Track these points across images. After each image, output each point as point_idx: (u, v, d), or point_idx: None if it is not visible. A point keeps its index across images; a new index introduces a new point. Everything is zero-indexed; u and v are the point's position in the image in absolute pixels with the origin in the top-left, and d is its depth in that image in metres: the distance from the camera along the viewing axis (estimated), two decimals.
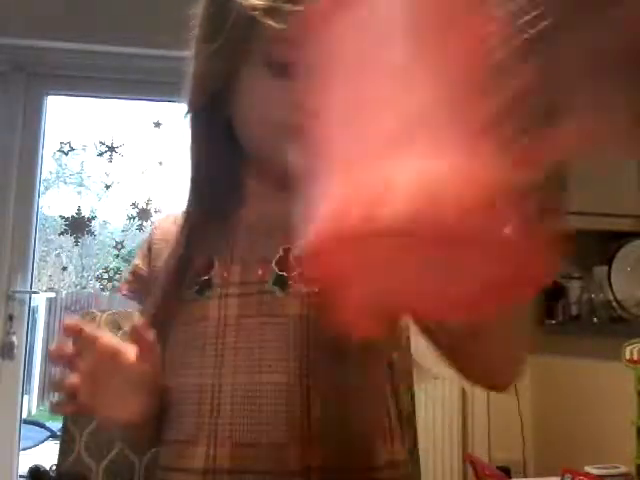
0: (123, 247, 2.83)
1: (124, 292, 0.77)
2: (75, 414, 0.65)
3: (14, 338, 2.41)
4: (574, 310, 2.50)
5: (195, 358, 0.64)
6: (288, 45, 0.53)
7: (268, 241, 0.65)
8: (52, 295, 3.70)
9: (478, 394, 2.48)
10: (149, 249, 0.75)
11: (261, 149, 0.65)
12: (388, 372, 0.65)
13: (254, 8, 0.58)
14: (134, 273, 0.77)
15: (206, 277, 0.66)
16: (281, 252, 0.64)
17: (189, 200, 0.70)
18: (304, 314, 0.61)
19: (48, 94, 2.62)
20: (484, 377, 0.60)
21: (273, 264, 0.64)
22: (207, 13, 0.67)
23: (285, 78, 0.59)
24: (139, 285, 0.76)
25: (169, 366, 0.66)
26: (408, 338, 0.71)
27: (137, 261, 0.77)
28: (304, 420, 0.59)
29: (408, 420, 0.74)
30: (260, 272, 0.64)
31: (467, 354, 0.55)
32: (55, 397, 0.60)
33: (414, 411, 0.87)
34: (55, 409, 0.62)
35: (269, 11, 0.57)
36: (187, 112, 0.69)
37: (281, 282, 0.63)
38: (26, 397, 3.16)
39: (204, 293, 0.66)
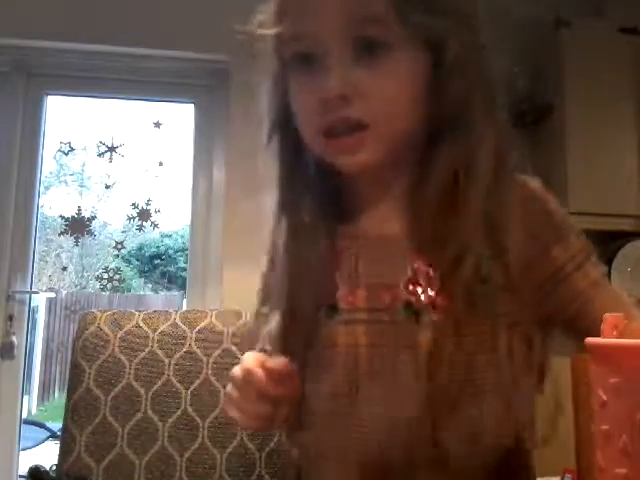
0: (123, 247, 2.83)
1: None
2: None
3: (14, 338, 2.41)
4: None
5: (326, 383, 0.61)
6: (299, 40, 0.58)
7: (389, 258, 0.61)
8: (52, 295, 3.70)
9: None
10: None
11: (317, 154, 0.64)
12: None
13: (258, 26, 0.61)
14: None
15: (333, 301, 0.62)
16: (410, 273, 0.60)
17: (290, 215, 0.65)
18: (435, 343, 0.57)
19: (48, 94, 2.62)
20: None
21: (401, 288, 0.59)
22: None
23: (305, 73, 0.59)
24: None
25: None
26: None
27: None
28: (432, 450, 0.57)
29: None
30: (387, 298, 0.60)
31: None
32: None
33: None
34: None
35: (269, 22, 0.60)
36: (272, 132, 0.66)
37: (411, 309, 0.59)
38: (26, 397, 3.16)
39: (333, 317, 0.62)
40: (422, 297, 0.58)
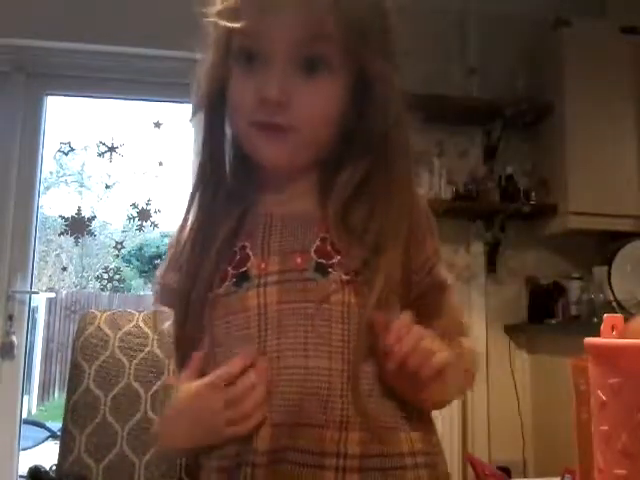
0: (123, 247, 2.83)
1: None
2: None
3: (14, 338, 2.41)
4: (574, 310, 2.50)
5: (239, 348, 0.65)
6: (249, 37, 0.63)
7: (302, 230, 0.67)
8: (52, 295, 3.70)
9: (478, 394, 2.48)
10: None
11: (242, 143, 0.69)
12: None
13: (216, 13, 0.65)
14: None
15: (243, 269, 0.67)
16: (318, 242, 0.66)
17: (205, 197, 0.71)
18: (345, 300, 0.64)
19: (48, 94, 2.62)
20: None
21: (312, 252, 0.66)
22: (200, 21, 0.71)
23: (247, 70, 0.64)
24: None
25: (214, 361, 0.67)
26: None
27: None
28: (343, 405, 0.62)
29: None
30: (299, 260, 0.66)
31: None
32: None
33: None
34: None
35: (227, 12, 0.64)
36: (196, 111, 0.72)
37: (321, 269, 0.65)
38: (26, 397, 3.16)
39: (242, 285, 0.66)
40: (333, 261, 0.65)
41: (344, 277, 0.64)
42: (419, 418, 0.67)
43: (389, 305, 0.63)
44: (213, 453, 0.66)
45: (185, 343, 0.71)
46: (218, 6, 0.65)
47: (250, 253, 0.68)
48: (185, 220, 0.72)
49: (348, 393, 0.62)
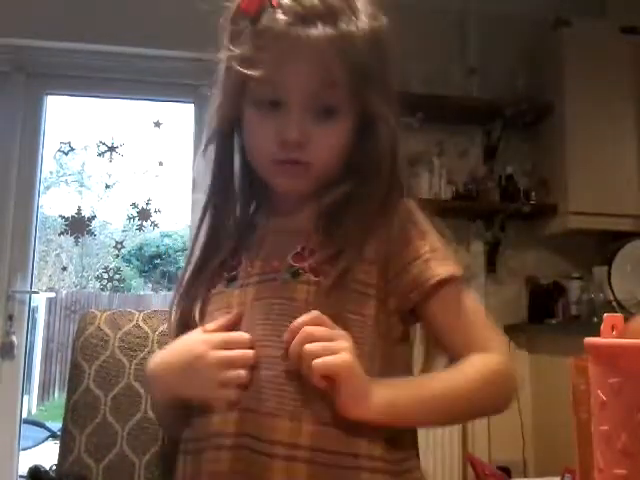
0: (123, 247, 2.83)
1: None
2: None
3: (14, 338, 2.41)
4: (574, 310, 2.50)
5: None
6: (267, 85, 0.71)
7: (288, 241, 0.75)
8: (52, 295, 3.70)
9: None
10: None
11: (261, 174, 0.78)
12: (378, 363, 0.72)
13: (234, 57, 0.72)
14: None
15: (234, 273, 0.77)
16: (298, 249, 0.74)
17: (214, 216, 0.81)
18: (309, 299, 0.70)
19: (48, 94, 2.62)
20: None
21: (289, 258, 0.73)
22: (217, 61, 0.78)
23: (268, 114, 0.73)
24: None
25: None
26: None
27: None
28: (295, 395, 0.66)
29: None
30: (276, 264, 0.74)
31: None
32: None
33: None
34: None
35: (244, 60, 0.71)
36: (210, 140, 0.80)
37: (293, 272, 0.72)
38: (26, 397, 3.16)
39: (231, 285, 0.76)
40: (305, 265, 0.72)
41: (313, 278, 0.70)
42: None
43: (340, 299, 0.69)
44: (185, 432, 0.72)
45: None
46: (233, 52, 0.73)
47: (243, 261, 0.77)
48: (196, 236, 0.81)
49: (302, 385, 0.66)
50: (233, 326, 0.72)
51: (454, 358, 0.71)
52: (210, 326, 0.72)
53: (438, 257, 0.73)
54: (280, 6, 0.70)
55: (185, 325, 0.77)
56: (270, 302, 0.71)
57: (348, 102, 0.74)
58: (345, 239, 0.72)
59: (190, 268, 0.80)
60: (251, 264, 0.75)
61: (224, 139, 0.79)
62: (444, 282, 0.71)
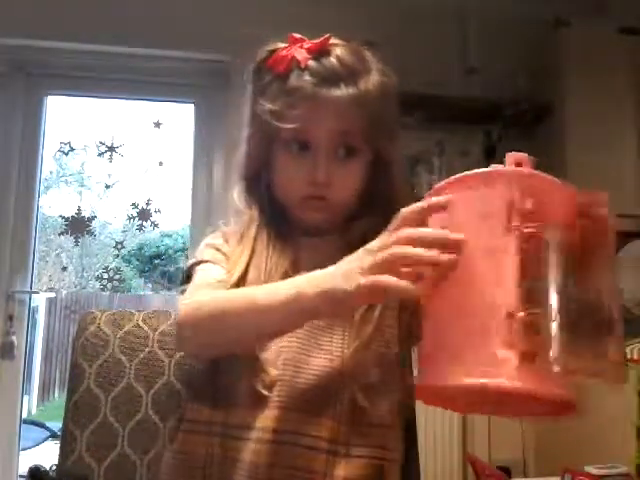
0: (123, 247, 2.83)
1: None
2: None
3: (14, 338, 2.41)
4: None
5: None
6: (299, 133, 0.85)
7: (323, 261, 0.79)
8: (52, 295, 3.70)
9: None
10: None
11: (290, 210, 0.90)
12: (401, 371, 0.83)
13: (267, 111, 0.85)
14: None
15: None
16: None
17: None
18: (355, 316, 0.80)
19: (48, 94, 2.62)
20: None
21: None
22: (249, 106, 0.91)
23: (297, 156, 0.86)
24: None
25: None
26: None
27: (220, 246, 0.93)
28: (337, 400, 0.76)
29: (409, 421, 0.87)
30: None
31: None
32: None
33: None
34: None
35: (277, 114, 0.84)
36: (242, 178, 0.94)
37: None
38: (26, 397, 3.16)
39: None
40: None
41: None
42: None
43: (382, 314, 0.80)
44: (204, 413, 0.79)
45: None
46: (264, 105, 0.85)
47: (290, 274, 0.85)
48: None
49: (342, 389, 0.77)
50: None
51: None
52: None
53: None
54: (307, 68, 0.83)
55: None
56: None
57: (363, 146, 0.87)
58: None
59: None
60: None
61: (256, 177, 0.92)
62: None
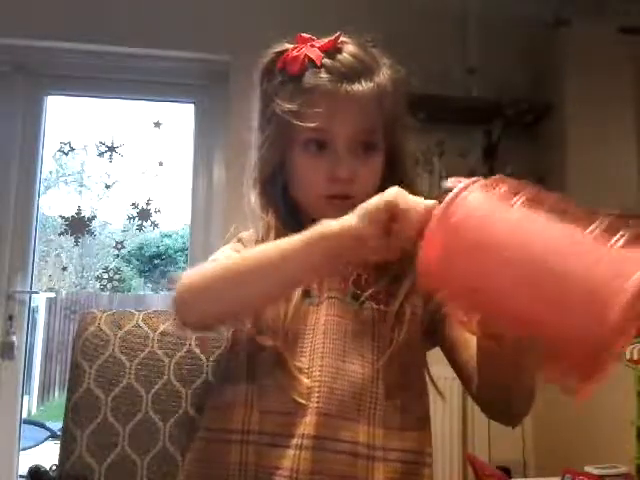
0: (123, 247, 2.83)
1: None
2: None
3: (14, 338, 2.41)
4: None
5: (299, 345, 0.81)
6: (319, 132, 0.84)
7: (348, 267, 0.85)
8: (52, 295, 3.70)
9: None
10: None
11: (310, 211, 0.88)
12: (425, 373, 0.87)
13: (286, 111, 0.84)
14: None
15: (307, 289, 0.85)
16: (355, 276, 0.84)
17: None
18: (375, 324, 0.82)
19: (48, 94, 2.62)
20: (506, 406, 0.82)
21: (350, 284, 0.84)
22: (260, 109, 0.90)
23: (317, 155, 0.84)
24: None
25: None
26: None
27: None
28: (371, 403, 0.78)
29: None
30: (342, 285, 0.84)
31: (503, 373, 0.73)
32: None
33: None
34: None
35: (296, 113, 0.83)
36: (257, 182, 0.90)
37: (357, 297, 0.83)
38: (26, 397, 3.16)
39: (305, 300, 0.84)
40: (367, 293, 0.83)
41: (375, 306, 0.82)
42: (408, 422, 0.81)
43: (399, 323, 0.81)
44: (235, 422, 0.78)
45: None
46: (282, 105, 0.84)
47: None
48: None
49: (376, 395, 0.78)
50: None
51: (469, 376, 0.81)
52: None
53: None
54: (323, 66, 0.83)
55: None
56: (344, 321, 0.82)
57: (381, 142, 0.87)
58: (397, 271, 0.82)
59: None
60: (319, 283, 0.84)
61: (273, 177, 0.89)
62: None
